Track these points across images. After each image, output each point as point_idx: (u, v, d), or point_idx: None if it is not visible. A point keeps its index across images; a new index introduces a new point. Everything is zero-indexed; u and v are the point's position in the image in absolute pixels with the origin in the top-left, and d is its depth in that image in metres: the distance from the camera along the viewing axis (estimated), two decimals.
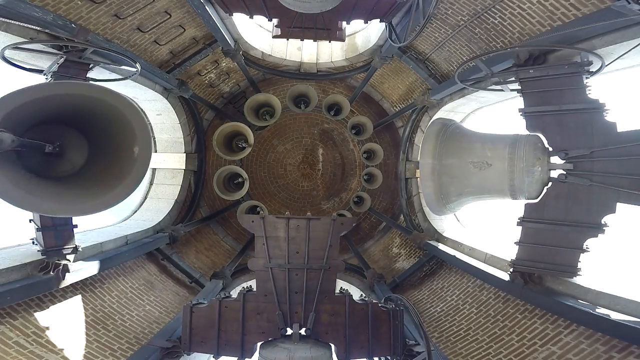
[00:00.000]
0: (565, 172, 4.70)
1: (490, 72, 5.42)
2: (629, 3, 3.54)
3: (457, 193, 5.59)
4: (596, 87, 4.76)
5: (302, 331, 5.00)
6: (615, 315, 3.89)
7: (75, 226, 5.02)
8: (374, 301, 5.34)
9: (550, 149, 4.89)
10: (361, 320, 5.05)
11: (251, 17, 6.43)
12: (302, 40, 7.59)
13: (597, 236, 4.56)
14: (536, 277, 5.05)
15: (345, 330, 4.98)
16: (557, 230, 4.76)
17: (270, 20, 6.68)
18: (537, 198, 4.98)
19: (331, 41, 7.51)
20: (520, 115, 5.14)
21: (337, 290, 5.89)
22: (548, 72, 4.89)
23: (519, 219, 5.10)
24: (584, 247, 4.62)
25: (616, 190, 4.34)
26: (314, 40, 7.65)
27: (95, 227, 7.74)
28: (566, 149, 4.65)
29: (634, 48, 4.10)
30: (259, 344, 4.97)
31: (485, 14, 5.78)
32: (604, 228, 4.50)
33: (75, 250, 5.02)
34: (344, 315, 5.05)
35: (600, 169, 4.46)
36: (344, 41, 7.77)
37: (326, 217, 5.54)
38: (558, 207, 4.75)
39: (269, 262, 5.28)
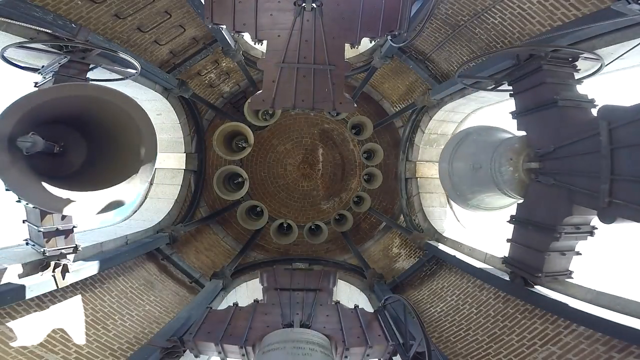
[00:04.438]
0: (537, 172, 4.61)
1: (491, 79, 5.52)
2: (629, 3, 3.54)
3: (470, 191, 6.03)
4: (596, 88, 4.76)
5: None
6: (615, 315, 3.90)
7: (75, 226, 5.03)
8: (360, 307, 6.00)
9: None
10: (353, 318, 5.61)
11: (234, 32, 5.56)
12: (294, 107, 5.47)
13: (557, 241, 4.28)
14: (536, 277, 5.05)
15: (340, 323, 5.40)
16: (530, 230, 4.77)
17: (256, 42, 5.62)
18: (523, 197, 5.14)
19: (337, 112, 6.21)
20: (512, 118, 5.32)
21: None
22: (524, 70, 4.93)
23: (510, 216, 5.28)
24: (549, 250, 4.38)
25: (572, 190, 4.00)
26: (312, 109, 5.60)
27: (95, 227, 7.74)
28: (540, 147, 4.57)
29: (633, 48, 4.10)
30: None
31: (485, 14, 5.78)
32: (563, 232, 4.17)
33: (75, 249, 5.02)
34: (338, 315, 5.64)
35: (563, 167, 4.17)
36: (353, 111, 6.54)
37: (317, 269, 8.01)
38: (534, 207, 4.72)
39: (276, 285, 6.67)
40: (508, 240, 5.33)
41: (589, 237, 4.35)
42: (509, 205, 6.18)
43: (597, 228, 4.28)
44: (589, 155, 3.75)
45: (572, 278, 4.66)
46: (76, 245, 5.04)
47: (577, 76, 4.80)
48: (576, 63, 4.69)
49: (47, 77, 4.84)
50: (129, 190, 3.96)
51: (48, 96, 3.49)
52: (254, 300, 6.00)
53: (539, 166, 4.57)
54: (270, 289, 6.54)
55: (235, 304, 5.77)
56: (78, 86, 3.88)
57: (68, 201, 3.61)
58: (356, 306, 5.95)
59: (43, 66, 4.97)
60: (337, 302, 6.08)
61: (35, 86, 4.97)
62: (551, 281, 4.66)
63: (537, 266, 4.61)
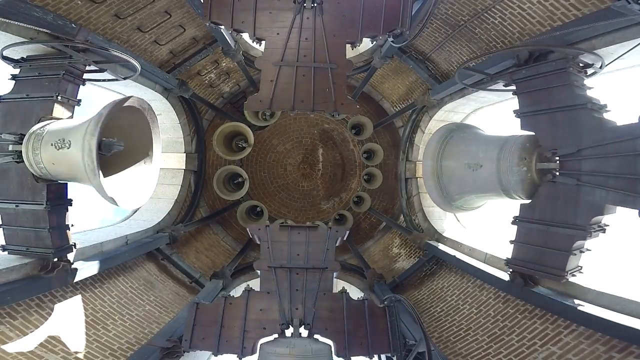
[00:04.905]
0: (553, 172, 4.62)
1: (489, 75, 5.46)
2: (629, 3, 3.54)
3: (458, 192, 5.92)
4: (596, 88, 4.76)
5: (302, 329, 5.08)
6: (615, 315, 3.90)
7: (72, 225, 5.01)
8: (370, 299, 5.50)
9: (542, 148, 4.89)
10: (358, 316, 5.19)
11: (232, 30, 5.40)
12: (293, 109, 5.24)
13: (585, 239, 4.40)
14: (536, 277, 5.05)
15: (344, 325, 5.04)
16: (546, 231, 4.71)
17: (254, 40, 5.48)
18: (530, 198, 5.03)
19: (338, 113, 5.48)
20: (515, 116, 5.18)
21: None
22: (538, 70, 4.88)
23: (513, 217, 5.15)
24: (572, 249, 4.46)
25: (605, 191, 4.10)
26: (312, 111, 5.41)
27: (95, 227, 7.74)
28: (556, 148, 4.57)
29: (634, 48, 4.10)
30: (259, 343, 4.99)
31: (485, 14, 5.78)
32: (592, 231, 4.31)
33: (73, 247, 5.01)
34: (342, 311, 5.19)
35: (589, 168, 4.27)
36: (355, 113, 6.44)
37: (322, 227, 5.94)
38: (548, 207, 4.70)
39: (272, 262, 5.61)
40: (512, 242, 5.16)
41: (600, 234, 4.49)
42: (484, 204, 6.20)
43: (608, 225, 4.43)
44: (626, 157, 3.93)
45: (582, 272, 4.72)
46: (74, 243, 5.05)
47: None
48: (587, 70, 4.73)
49: (44, 73, 4.76)
50: (150, 168, 4.85)
51: (126, 104, 4.31)
52: (245, 289, 5.40)
53: (557, 166, 4.54)
54: (263, 265, 5.60)
55: (225, 298, 5.26)
56: (138, 99, 4.59)
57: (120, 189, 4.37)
58: (365, 299, 5.40)
59: (23, 58, 4.79)
60: (344, 292, 5.44)
61: (13, 78, 4.81)
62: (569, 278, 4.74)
63: (560, 265, 4.57)
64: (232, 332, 5.00)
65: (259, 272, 5.73)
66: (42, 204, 4.49)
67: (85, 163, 3.79)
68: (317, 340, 5.01)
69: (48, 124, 4.44)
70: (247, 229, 6.10)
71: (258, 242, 6.06)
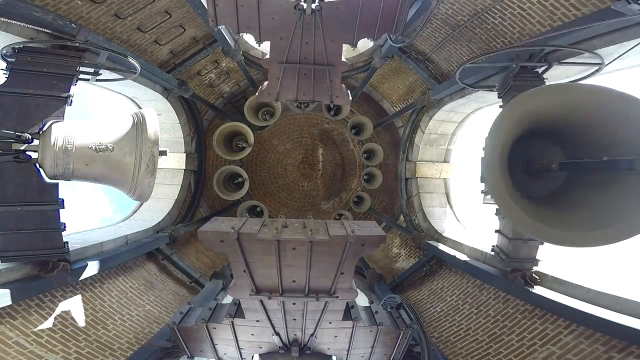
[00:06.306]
0: None
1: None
2: (629, 3, 3.54)
3: None
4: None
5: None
6: (615, 315, 3.90)
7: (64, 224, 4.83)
8: (385, 323, 4.48)
9: None
10: (366, 339, 4.58)
11: (238, 33, 5.50)
12: (296, 100, 6.21)
13: None
14: (536, 277, 5.07)
15: (349, 347, 4.66)
16: None
17: (259, 43, 5.68)
18: None
19: (334, 104, 6.31)
20: None
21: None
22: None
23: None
24: None
25: None
26: (312, 101, 6.18)
27: (95, 227, 7.75)
28: None
29: (633, 48, 4.10)
30: (256, 356, 4.93)
31: (485, 14, 5.78)
32: None
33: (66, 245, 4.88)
34: (350, 336, 4.52)
35: None
36: (349, 104, 6.95)
37: (339, 238, 3.34)
38: None
39: (255, 293, 3.85)
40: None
41: None
42: None
43: None
44: None
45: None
46: (67, 241, 4.90)
47: (577, 76, 4.80)
48: None
49: (51, 71, 4.59)
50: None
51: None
52: (227, 315, 4.31)
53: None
54: (242, 294, 3.88)
55: (206, 325, 4.34)
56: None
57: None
58: (380, 324, 4.34)
59: (20, 48, 4.47)
60: (354, 320, 4.32)
61: (8, 69, 4.42)
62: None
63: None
64: (227, 348, 4.71)
65: (243, 305, 4.21)
66: (55, 204, 4.44)
67: (142, 166, 4.20)
68: (318, 355, 4.75)
69: (73, 125, 4.39)
70: (200, 237, 3.34)
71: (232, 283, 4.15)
